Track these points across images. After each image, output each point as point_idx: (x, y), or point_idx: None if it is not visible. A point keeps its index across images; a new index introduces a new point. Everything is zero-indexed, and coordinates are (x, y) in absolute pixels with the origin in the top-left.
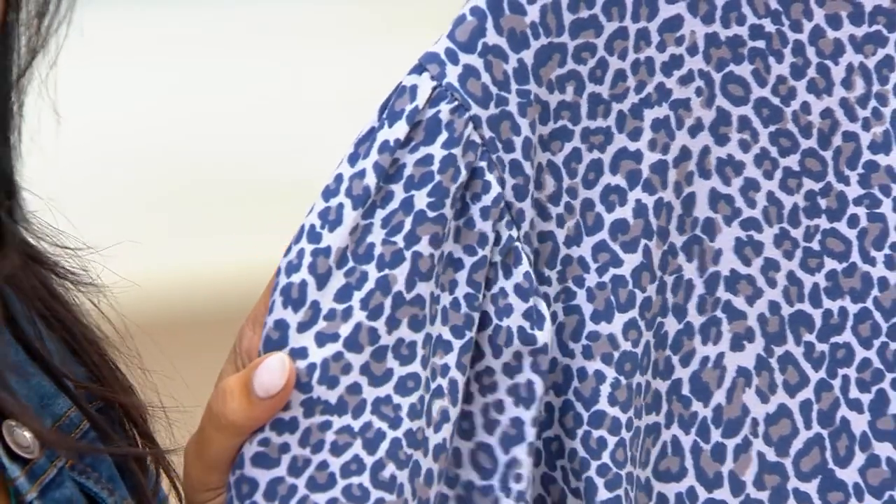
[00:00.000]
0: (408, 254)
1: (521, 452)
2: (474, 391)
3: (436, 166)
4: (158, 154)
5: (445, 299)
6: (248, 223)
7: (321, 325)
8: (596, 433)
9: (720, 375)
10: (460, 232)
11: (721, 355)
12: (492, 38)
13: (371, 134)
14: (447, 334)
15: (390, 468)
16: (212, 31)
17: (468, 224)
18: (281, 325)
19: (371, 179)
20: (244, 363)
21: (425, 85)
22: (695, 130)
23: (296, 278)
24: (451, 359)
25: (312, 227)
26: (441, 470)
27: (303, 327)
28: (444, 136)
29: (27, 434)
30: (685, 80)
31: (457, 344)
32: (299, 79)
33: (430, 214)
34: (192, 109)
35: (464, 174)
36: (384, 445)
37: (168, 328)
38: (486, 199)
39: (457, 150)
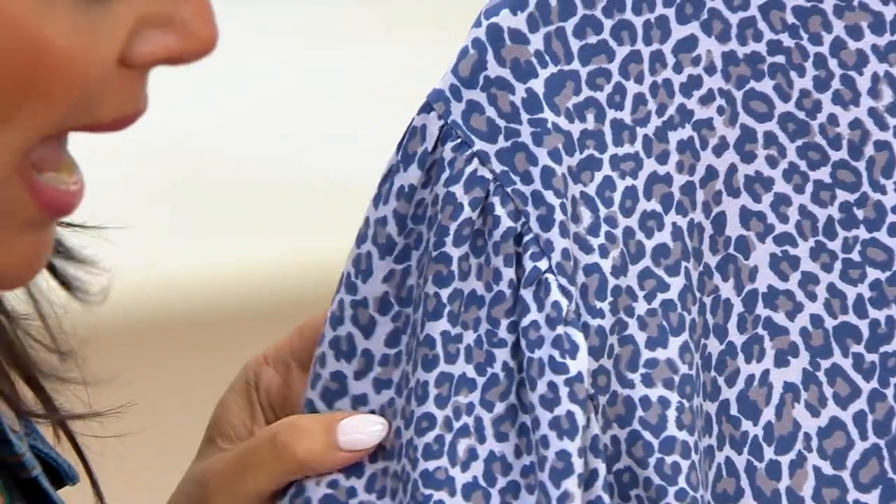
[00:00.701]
0: (422, 294)
1: (571, 485)
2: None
3: (439, 205)
4: (158, 153)
5: (469, 337)
6: (248, 223)
7: (377, 370)
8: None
9: (767, 393)
10: (481, 269)
11: (766, 372)
12: (493, 70)
13: (390, 176)
14: (471, 372)
15: None
16: (240, 30)
17: (486, 261)
18: (338, 377)
19: (392, 227)
20: (267, 402)
21: (433, 125)
22: (720, 149)
23: (342, 331)
24: (475, 397)
25: (348, 275)
26: None
27: (359, 375)
28: (445, 174)
29: None
30: (706, 100)
31: (480, 381)
32: (299, 78)
33: (434, 254)
34: (192, 110)
35: (467, 211)
36: (409, 487)
37: (168, 327)
38: (496, 235)
39: (455, 188)
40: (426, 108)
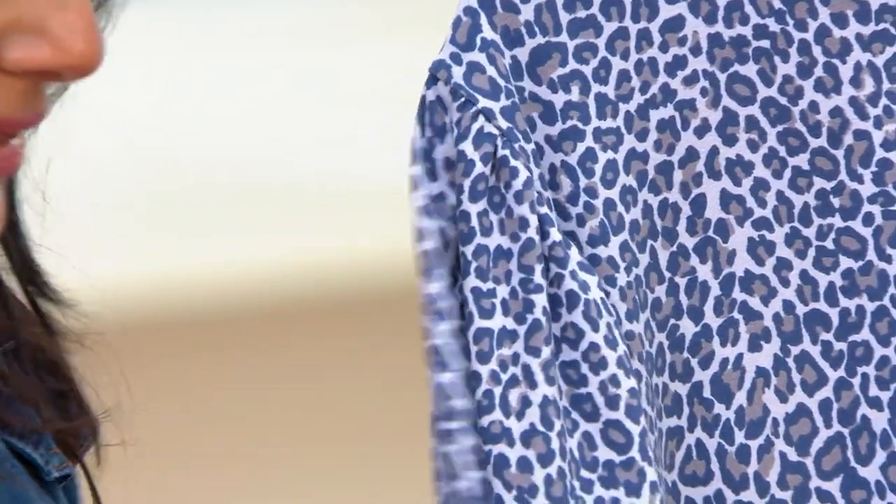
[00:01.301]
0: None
1: (644, 421)
2: (586, 371)
3: (442, 166)
4: (152, 156)
5: (503, 291)
6: (243, 225)
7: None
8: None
9: (740, 377)
10: (503, 223)
11: (740, 356)
12: (488, 33)
13: (429, 153)
14: (511, 324)
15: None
16: (206, 34)
17: (508, 213)
18: None
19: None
20: None
21: (444, 92)
22: (701, 131)
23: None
24: (518, 346)
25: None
26: (543, 454)
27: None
28: (454, 133)
29: None
30: (690, 81)
31: (521, 330)
32: (295, 80)
33: (436, 212)
34: (187, 112)
35: (479, 166)
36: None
37: (163, 328)
38: (517, 184)
39: (464, 145)
40: (431, 80)
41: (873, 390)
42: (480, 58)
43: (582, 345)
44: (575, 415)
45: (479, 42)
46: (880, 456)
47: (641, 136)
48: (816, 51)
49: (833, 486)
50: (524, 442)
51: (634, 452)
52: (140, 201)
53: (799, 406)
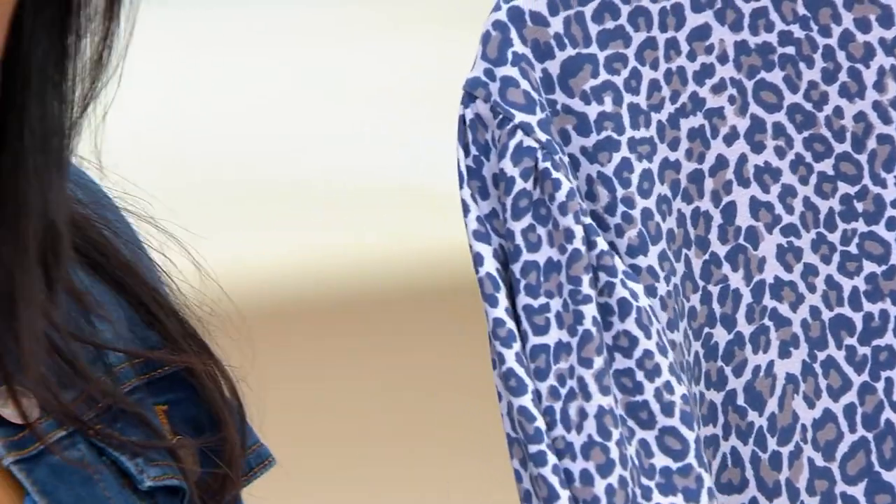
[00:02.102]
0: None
1: (697, 428)
2: (641, 379)
3: (491, 183)
4: (159, 153)
5: (556, 305)
6: (249, 222)
7: None
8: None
9: (772, 384)
10: (551, 235)
11: (771, 363)
12: (519, 47)
13: (477, 171)
14: (565, 337)
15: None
16: (213, 32)
17: (554, 225)
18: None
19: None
20: None
21: (484, 109)
22: (730, 139)
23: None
24: (573, 359)
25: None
26: (602, 464)
27: None
28: (494, 152)
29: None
30: (718, 89)
31: (574, 342)
32: (302, 77)
33: (490, 232)
34: (194, 109)
35: (519, 182)
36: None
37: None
38: (560, 196)
39: (504, 163)
40: (468, 98)
41: None
42: (513, 72)
43: (636, 353)
44: (631, 423)
45: (510, 56)
46: None
47: (673, 145)
48: (840, 56)
49: (858, 491)
50: (584, 454)
51: (691, 459)
52: (147, 198)
53: (825, 411)
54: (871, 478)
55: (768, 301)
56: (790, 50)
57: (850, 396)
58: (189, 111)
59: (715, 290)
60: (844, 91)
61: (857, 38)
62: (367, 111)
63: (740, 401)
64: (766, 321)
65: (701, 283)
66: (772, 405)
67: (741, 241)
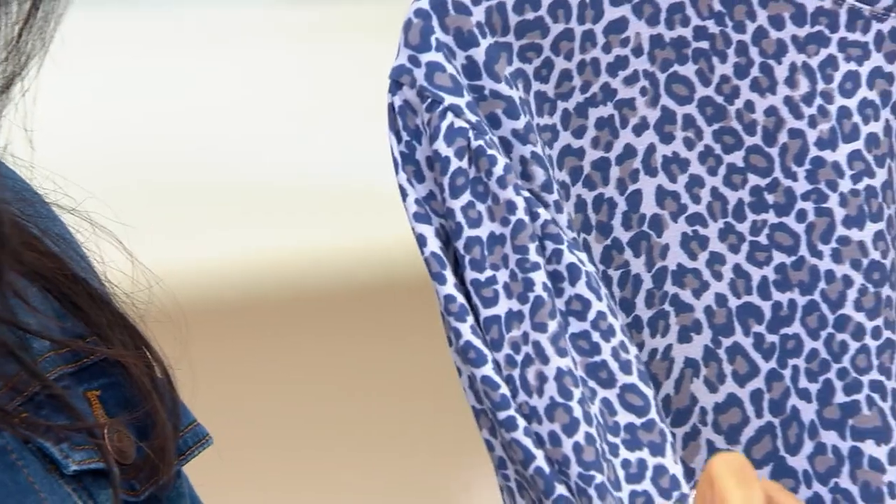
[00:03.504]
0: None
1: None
2: (598, 340)
3: (425, 166)
4: (105, 155)
5: (503, 276)
6: (195, 222)
7: None
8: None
9: (668, 367)
10: (492, 211)
11: (669, 347)
12: (441, 35)
13: (410, 156)
14: (516, 305)
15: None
16: (188, 32)
17: (494, 200)
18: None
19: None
20: None
21: (411, 95)
22: (639, 129)
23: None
24: (526, 325)
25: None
26: (567, 424)
27: None
28: (425, 135)
29: None
30: (630, 81)
31: (525, 309)
32: (243, 79)
33: (430, 213)
34: (137, 111)
35: (455, 162)
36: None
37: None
38: (498, 171)
39: (438, 145)
40: (395, 86)
41: (803, 382)
42: (438, 57)
43: (590, 315)
44: (592, 383)
45: (434, 42)
46: (808, 446)
47: (578, 133)
48: (753, 52)
49: (763, 475)
50: (548, 416)
51: (653, 414)
52: (86, 195)
53: (729, 396)
54: (776, 462)
55: (669, 287)
56: (704, 45)
57: (758, 382)
58: (133, 113)
59: (615, 274)
60: (756, 86)
61: (770, 35)
62: (310, 113)
63: None
64: (667, 306)
65: (601, 267)
66: (667, 387)
67: (645, 228)
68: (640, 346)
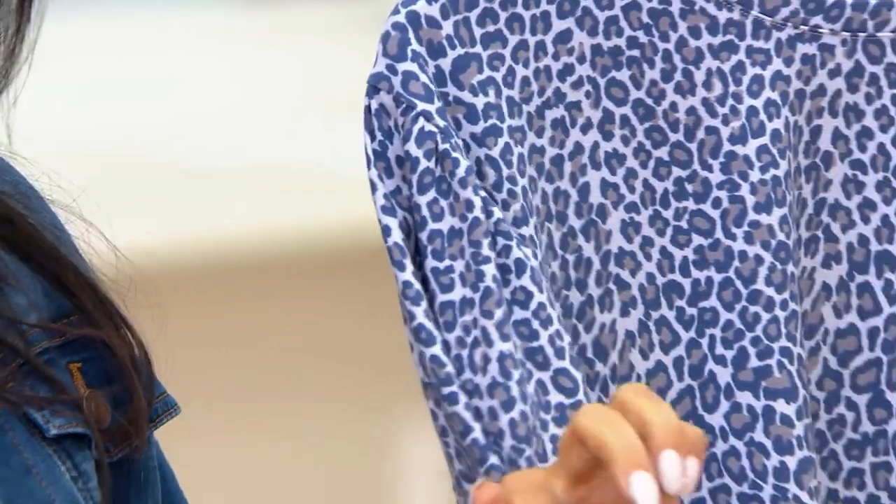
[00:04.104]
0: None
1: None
2: (537, 327)
3: (395, 164)
4: (81, 147)
5: (459, 266)
6: (167, 205)
7: None
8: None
9: (614, 339)
10: (453, 207)
11: (614, 321)
12: (416, 46)
13: (382, 154)
14: (469, 293)
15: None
16: (129, 32)
17: (455, 198)
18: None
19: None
20: None
21: (387, 99)
22: (586, 128)
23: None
24: (476, 312)
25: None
26: (505, 401)
27: None
28: (399, 136)
29: None
30: (576, 85)
31: (476, 297)
32: (216, 76)
33: (395, 206)
34: (109, 106)
35: (423, 162)
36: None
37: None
38: (460, 172)
39: (409, 146)
40: (372, 90)
41: (719, 349)
42: (413, 67)
43: (532, 305)
44: (529, 365)
45: (410, 54)
46: (724, 405)
47: (539, 132)
48: (676, 58)
49: None
50: (489, 393)
51: (581, 395)
52: (71, 189)
53: (657, 363)
54: (695, 420)
55: (613, 268)
56: (636, 52)
57: (679, 350)
58: (105, 107)
59: (571, 257)
60: (679, 89)
61: (689, 44)
62: (278, 107)
63: (589, 353)
64: (611, 285)
65: (560, 252)
66: (613, 357)
67: (593, 216)
68: (592, 321)
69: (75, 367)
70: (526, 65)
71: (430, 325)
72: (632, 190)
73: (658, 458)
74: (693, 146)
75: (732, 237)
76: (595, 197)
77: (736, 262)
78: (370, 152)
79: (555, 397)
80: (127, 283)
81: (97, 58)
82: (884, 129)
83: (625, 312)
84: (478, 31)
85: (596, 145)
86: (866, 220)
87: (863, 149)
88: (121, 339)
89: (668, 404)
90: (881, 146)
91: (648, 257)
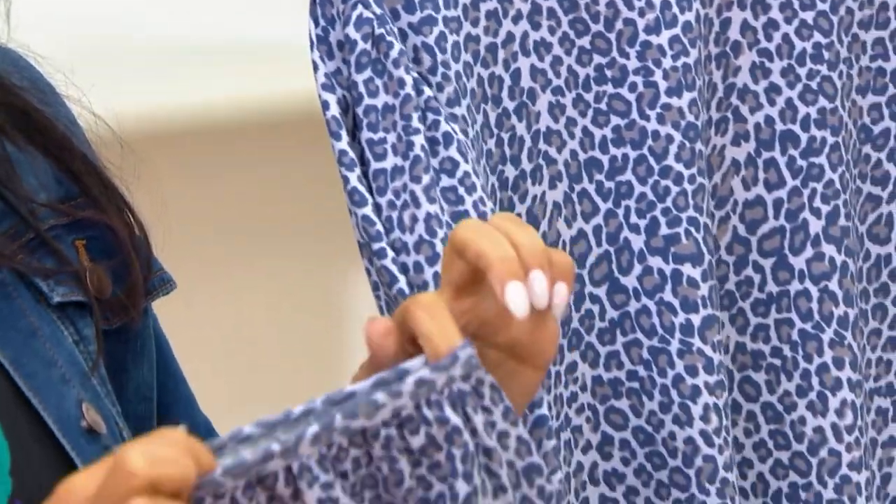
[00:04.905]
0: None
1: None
2: (463, 193)
3: (336, 48)
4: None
5: (391, 138)
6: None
7: None
8: None
9: (544, 209)
10: (386, 85)
11: (544, 193)
12: None
13: (325, 38)
14: (399, 161)
15: None
16: None
17: (389, 77)
18: None
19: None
20: None
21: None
22: (517, 19)
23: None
24: (406, 177)
25: None
26: (430, 256)
27: None
28: (339, 23)
29: None
30: None
31: (406, 165)
32: None
33: (335, 85)
34: None
35: (361, 44)
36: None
37: None
38: (394, 53)
39: (349, 30)
40: None
41: (633, 219)
42: None
43: (458, 173)
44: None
45: None
46: (637, 269)
47: (475, 23)
48: None
49: (602, 292)
50: (416, 250)
51: None
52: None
53: (579, 231)
54: (611, 282)
55: (542, 145)
56: None
57: (598, 219)
58: None
59: (506, 136)
60: None
61: None
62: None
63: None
64: (540, 161)
65: (496, 131)
66: (543, 226)
67: (524, 98)
68: (525, 193)
69: (80, 243)
70: None
71: (362, 188)
72: (558, 75)
73: (527, 276)
74: (612, 36)
75: (646, 118)
76: (525, 81)
77: (649, 141)
78: (314, 36)
79: None
80: (131, 170)
81: None
82: (788, 21)
83: (552, 185)
84: None
85: (526, 34)
86: (772, 103)
87: (769, 38)
88: (122, 221)
89: (533, 229)
90: (786, 35)
91: (572, 136)
